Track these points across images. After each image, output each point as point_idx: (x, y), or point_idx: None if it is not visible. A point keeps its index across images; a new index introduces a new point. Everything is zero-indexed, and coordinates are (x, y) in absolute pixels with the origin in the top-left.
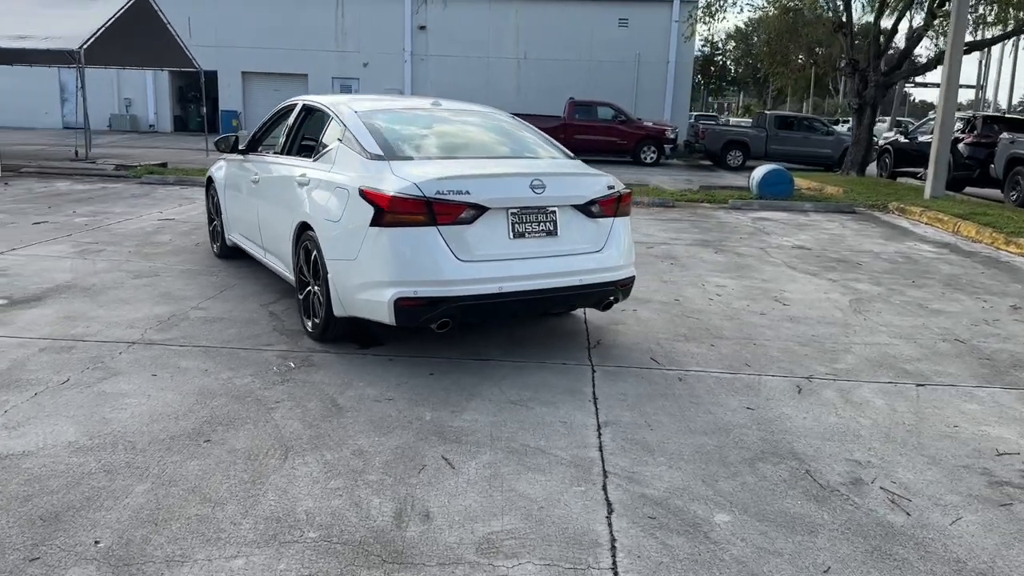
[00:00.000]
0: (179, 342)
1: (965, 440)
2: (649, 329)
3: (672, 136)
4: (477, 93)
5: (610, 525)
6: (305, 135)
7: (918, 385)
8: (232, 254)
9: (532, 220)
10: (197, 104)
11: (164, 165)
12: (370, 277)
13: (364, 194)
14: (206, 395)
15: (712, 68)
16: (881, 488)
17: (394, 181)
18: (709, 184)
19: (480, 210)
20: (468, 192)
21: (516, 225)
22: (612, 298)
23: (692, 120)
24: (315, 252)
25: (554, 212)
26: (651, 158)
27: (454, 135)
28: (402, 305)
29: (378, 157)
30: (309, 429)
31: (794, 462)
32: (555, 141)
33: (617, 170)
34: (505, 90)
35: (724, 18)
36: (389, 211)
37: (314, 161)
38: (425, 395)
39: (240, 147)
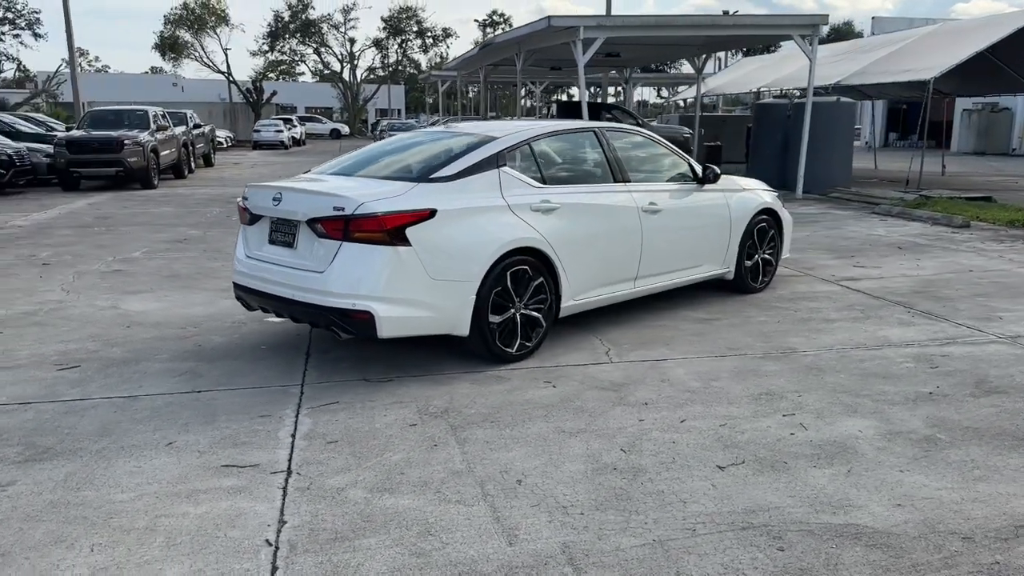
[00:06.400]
0: None
1: None
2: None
3: None
4: None
5: None
6: None
7: None
8: None
9: (282, 230)
10: None
11: (988, 199)
12: None
13: None
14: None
15: None
16: None
17: None
18: None
19: (254, 215)
20: (246, 199)
21: (272, 232)
22: (336, 329)
23: None
24: None
25: (296, 225)
26: None
27: (372, 154)
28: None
29: None
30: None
31: None
32: (483, 158)
33: None
34: None
35: None
36: None
37: None
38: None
39: None
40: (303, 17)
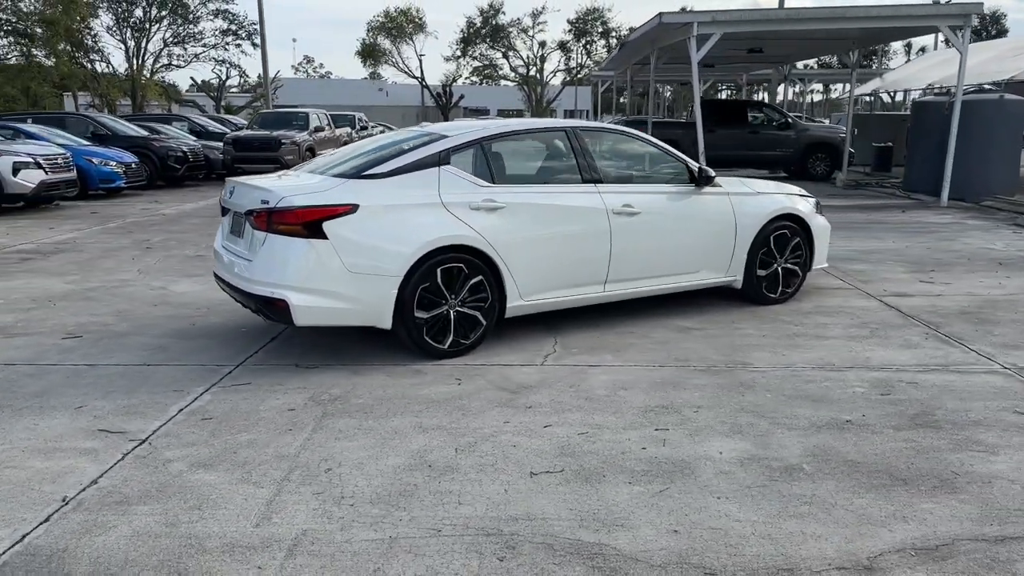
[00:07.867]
0: None
1: None
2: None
3: None
4: None
5: None
6: None
7: None
8: None
9: (237, 222)
10: None
11: None
12: None
13: None
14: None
15: None
16: None
17: None
18: None
19: (223, 208)
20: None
21: (232, 224)
22: (263, 315)
23: None
24: None
25: (243, 217)
26: None
27: (349, 153)
28: None
29: None
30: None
31: None
32: (424, 156)
33: None
34: None
35: None
36: None
37: None
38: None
39: None
40: (493, 22)
